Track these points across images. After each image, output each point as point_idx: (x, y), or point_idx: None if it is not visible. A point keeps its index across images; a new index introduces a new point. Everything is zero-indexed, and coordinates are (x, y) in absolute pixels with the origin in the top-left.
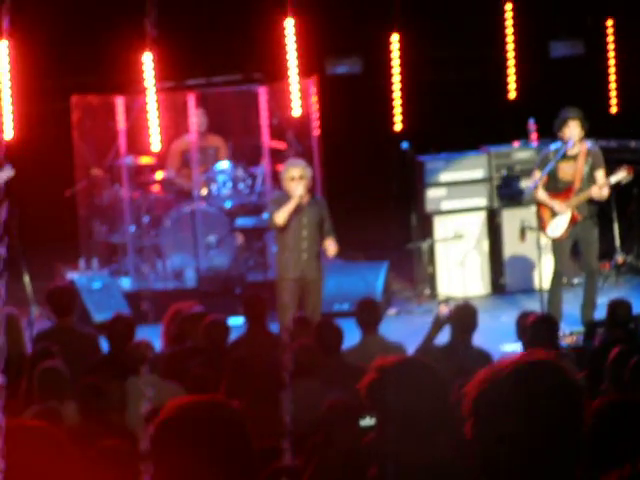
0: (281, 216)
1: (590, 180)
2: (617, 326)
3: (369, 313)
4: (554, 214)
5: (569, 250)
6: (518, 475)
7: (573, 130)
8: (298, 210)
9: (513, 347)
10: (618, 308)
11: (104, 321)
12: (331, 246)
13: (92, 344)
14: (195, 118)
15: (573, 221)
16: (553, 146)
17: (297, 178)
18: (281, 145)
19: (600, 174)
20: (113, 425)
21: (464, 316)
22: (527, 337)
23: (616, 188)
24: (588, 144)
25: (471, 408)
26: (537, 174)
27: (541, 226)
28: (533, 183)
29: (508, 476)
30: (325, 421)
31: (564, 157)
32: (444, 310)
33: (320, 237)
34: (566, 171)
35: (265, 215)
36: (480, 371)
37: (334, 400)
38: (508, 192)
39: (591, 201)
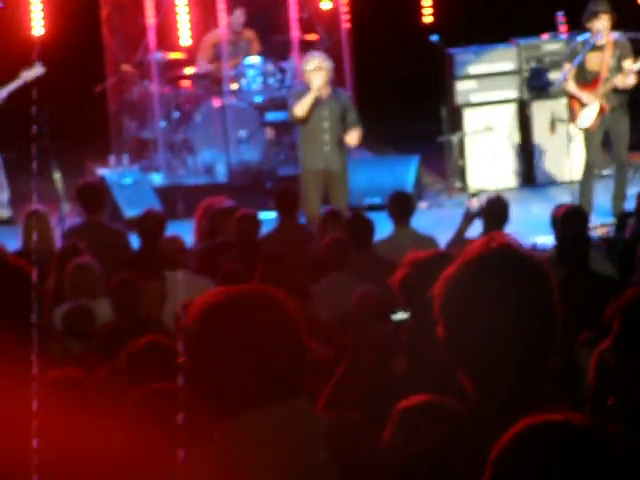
0: (300, 108)
1: (618, 70)
2: None
3: (401, 206)
4: (583, 105)
5: (600, 141)
6: (500, 371)
7: (603, 23)
8: (318, 102)
9: (545, 239)
10: None
11: (135, 217)
12: (352, 135)
13: (122, 240)
14: (232, 18)
15: (602, 111)
16: (581, 38)
17: (316, 69)
18: (311, 38)
19: (628, 64)
20: (149, 321)
21: (495, 209)
22: (557, 229)
23: None
24: (616, 35)
25: (440, 308)
26: (567, 66)
27: (572, 117)
28: (562, 75)
29: (489, 374)
30: (356, 314)
31: (592, 48)
32: (475, 203)
33: (343, 129)
34: (594, 62)
35: None
36: (446, 269)
37: (365, 293)
38: (538, 84)
39: (621, 90)
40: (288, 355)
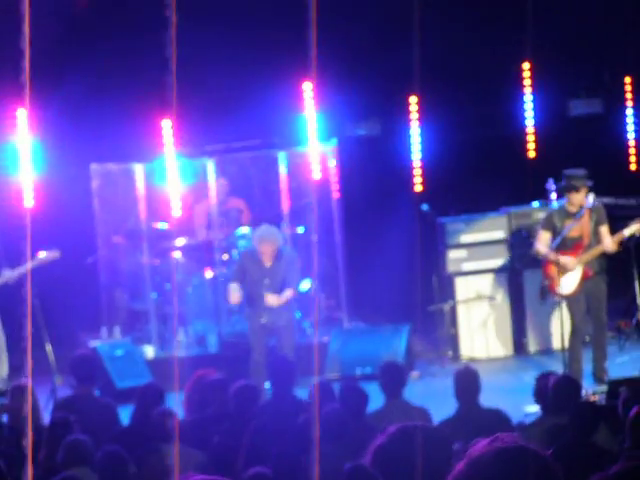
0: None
1: (595, 235)
2: None
3: (393, 377)
4: (564, 272)
5: (584, 306)
6: None
7: (584, 197)
8: (262, 269)
9: (535, 408)
10: None
11: (127, 388)
12: (273, 297)
13: (111, 413)
14: (216, 186)
15: (585, 276)
16: (557, 205)
17: (262, 242)
18: (301, 209)
19: (604, 229)
20: None
21: (465, 380)
22: (549, 400)
23: (637, 246)
24: (591, 201)
25: None
26: (542, 234)
27: (550, 286)
28: (544, 246)
29: None
30: None
31: (568, 215)
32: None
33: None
34: (573, 228)
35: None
36: (457, 465)
37: (355, 465)
38: (527, 252)
39: (601, 256)
40: None
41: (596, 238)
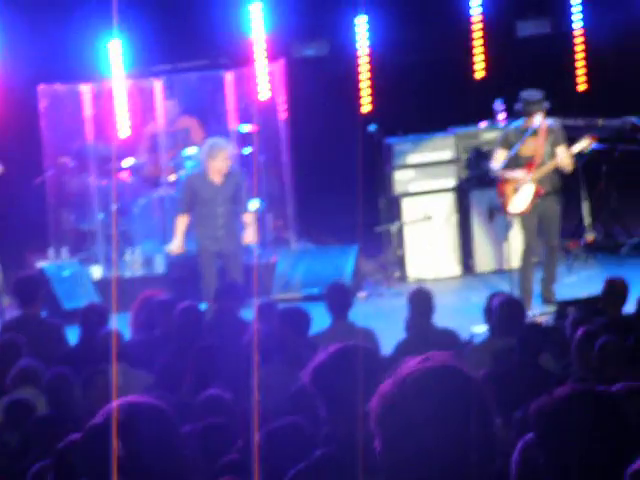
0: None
1: (551, 156)
2: (613, 304)
3: (338, 298)
4: (516, 189)
5: (535, 226)
6: None
7: (537, 117)
8: (212, 187)
9: (483, 328)
10: (617, 285)
11: (74, 309)
12: (249, 233)
13: (58, 334)
14: (167, 107)
15: (537, 195)
16: (514, 124)
17: (227, 160)
18: (248, 129)
19: (561, 150)
20: (84, 416)
21: (419, 300)
22: (493, 320)
23: (584, 168)
24: (549, 121)
25: (376, 425)
26: (499, 151)
27: (503, 204)
28: (501, 164)
29: None
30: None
31: (524, 133)
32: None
33: (235, 208)
34: (527, 147)
35: None
36: (383, 384)
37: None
38: (476, 173)
39: (554, 176)
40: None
41: (550, 159)
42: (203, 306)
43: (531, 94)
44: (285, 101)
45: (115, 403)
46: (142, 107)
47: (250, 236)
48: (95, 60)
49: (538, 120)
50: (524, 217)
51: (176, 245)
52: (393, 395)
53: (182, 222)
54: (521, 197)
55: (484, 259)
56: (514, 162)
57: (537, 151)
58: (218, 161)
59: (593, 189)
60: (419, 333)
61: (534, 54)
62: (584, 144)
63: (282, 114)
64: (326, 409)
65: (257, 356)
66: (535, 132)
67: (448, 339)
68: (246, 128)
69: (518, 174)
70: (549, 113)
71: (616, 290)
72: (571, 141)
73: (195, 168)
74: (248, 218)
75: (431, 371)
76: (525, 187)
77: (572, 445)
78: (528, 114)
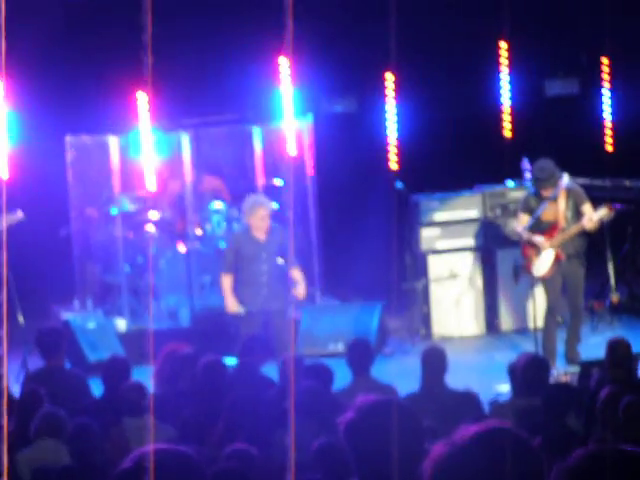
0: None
1: (573, 219)
2: (617, 366)
3: (360, 354)
4: (538, 253)
5: (559, 288)
6: None
7: (553, 189)
8: (257, 245)
9: (506, 387)
10: (618, 347)
11: (99, 361)
12: (301, 288)
13: (81, 386)
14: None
15: (557, 259)
16: (533, 190)
17: (266, 217)
18: (276, 184)
19: (587, 208)
20: (105, 467)
21: (432, 359)
22: (518, 379)
23: (610, 228)
24: (565, 183)
25: None
26: (521, 216)
27: (527, 266)
28: (523, 227)
29: None
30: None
31: (542, 198)
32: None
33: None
34: (548, 212)
35: None
36: (436, 446)
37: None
38: (502, 232)
39: (578, 240)
40: None
41: (575, 220)
42: (228, 361)
43: (541, 170)
44: (312, 157)
45: (144, 449)
46: (169, 160)
47: (302, 291)
48: (123, 111)
49: (562, 180)
50: (548, 280)
51: (230, 306)
52: (447, 456)
53: (227, 281)
54: (542, 261)
55: (509, 318)
56: (537, 226)
57: (558, 216)
58: (257, 218)
59: (618, 250)
60: (429, 391)
61: (562, 113)
62: (603, 213)
63: (309, 170)
64: (356, 465)
65: (292, 413)
66: (555, 198)
67: (461, 399)
68: (275, 182)
69: (538, 239)
70: (567, 173)
71: (619, 352)
72: (594, 201)
73: (239, 227)
74: (297, 274)
75: (488, 434)
76: (546, 252)
77: None
78: (540, 189)
